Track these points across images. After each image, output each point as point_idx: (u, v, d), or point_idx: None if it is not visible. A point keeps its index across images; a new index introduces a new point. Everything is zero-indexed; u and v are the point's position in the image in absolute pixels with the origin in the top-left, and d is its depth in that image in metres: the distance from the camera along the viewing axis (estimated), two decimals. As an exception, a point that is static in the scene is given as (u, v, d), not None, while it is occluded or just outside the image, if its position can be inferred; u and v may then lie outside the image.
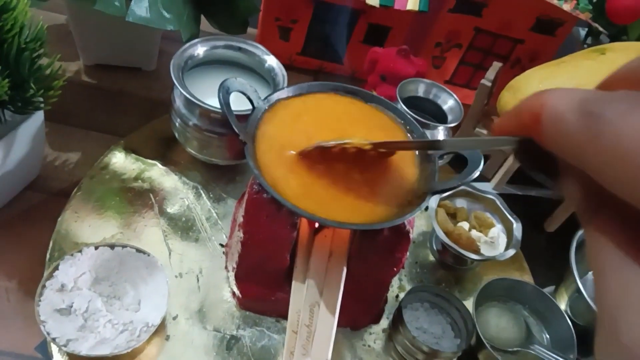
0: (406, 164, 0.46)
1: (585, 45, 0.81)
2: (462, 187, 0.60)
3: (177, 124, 0.57)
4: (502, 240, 0.58)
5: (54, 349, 0.45)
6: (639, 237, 0.15)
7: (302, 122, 0.47)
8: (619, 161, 0.14)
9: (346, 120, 0.48)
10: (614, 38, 0.77)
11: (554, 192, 0.70)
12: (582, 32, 0.84)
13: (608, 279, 0.15)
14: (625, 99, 0.15)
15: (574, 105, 0.16)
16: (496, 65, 0.67)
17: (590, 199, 0.17)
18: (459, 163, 0.46)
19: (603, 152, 0.14)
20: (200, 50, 0.58)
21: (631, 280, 0.14)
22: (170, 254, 0.53)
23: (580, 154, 0.15)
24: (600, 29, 0.75)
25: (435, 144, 0.43)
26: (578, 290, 0.55)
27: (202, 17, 0.64)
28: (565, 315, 0.54)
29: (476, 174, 0.41)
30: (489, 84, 0.65)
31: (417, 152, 0.47)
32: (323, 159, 0.43)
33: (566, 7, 0.71)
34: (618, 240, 0.15)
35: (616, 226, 0.15)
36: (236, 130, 0.43)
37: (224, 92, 0.44)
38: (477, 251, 0.56)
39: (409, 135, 0.48)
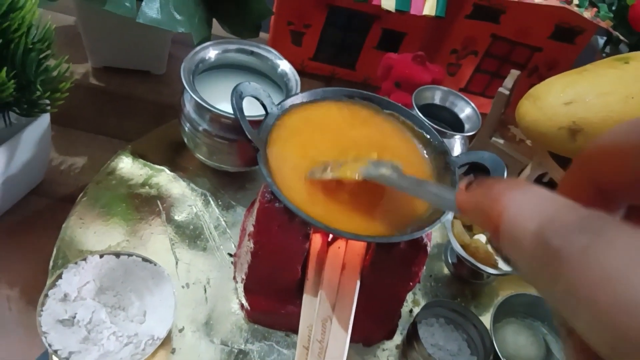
0: (424, 175, 0.45)
1: (604, 54, 0.79)
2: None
3: (186, 129, 0.55)
4: (521, 254, 0.56)
5: (56, 361, 0.43)
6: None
7: (316, 130, 0.45)
8: (575, 308, 0.13)
9: (360, 130, 0.47)
10: (633, 47, 0.75)
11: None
12: (601, 40, 0.82)
13: None
14: (590, 227, 0.13)
15: (533, 227, 0.14)
16: (514, 73, 0.65)
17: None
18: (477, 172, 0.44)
19: (559, 293, 0.13)
20: (211, 53, 0.56)
21: None
22: (177, 263, 0.52)
23: (537, 285, 0.14)
24: (621, 37, 0.73)
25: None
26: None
27: (214, 20, 0.63)
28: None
29: None
30: (507, 92, 0.63)
31: (434, 164, 0.46)
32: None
33: (587, 14, 0.69)
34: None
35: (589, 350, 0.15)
36: (249, 136, 0.41)
37: (237, 97, 0.43)
38: (494, 265, 0.54)
39: (424, 153, 0.47)
